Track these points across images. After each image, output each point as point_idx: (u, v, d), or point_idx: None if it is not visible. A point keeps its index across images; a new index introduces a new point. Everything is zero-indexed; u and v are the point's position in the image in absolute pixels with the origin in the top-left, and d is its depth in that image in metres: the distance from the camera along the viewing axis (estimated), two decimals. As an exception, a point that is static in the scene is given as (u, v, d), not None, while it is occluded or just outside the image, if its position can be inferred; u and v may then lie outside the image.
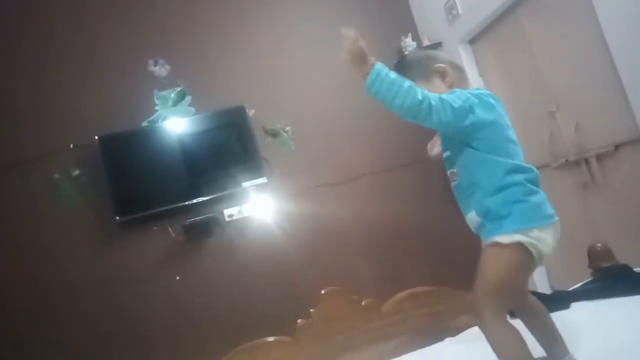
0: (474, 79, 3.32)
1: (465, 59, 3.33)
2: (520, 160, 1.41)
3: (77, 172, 2.96)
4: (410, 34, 3.56)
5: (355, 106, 3.35)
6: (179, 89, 3.18)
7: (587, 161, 2.66)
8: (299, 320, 2.03)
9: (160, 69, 3.20)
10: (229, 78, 3.27)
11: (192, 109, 3.18)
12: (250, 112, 3.19)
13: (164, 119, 3.11)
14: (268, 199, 3.18)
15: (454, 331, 2.04)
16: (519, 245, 1.31)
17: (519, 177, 1.36)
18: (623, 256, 2.18)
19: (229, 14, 3.37)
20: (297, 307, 2.11)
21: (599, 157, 2.59)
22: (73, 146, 2.96)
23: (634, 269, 2.05)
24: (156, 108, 3.13)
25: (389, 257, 3.26)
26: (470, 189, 1.40)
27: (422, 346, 1.93)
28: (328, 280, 2.20)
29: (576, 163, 2.73)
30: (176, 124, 3.09)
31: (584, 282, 2.18)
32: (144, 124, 3.08)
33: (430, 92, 1.34)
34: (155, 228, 3.00)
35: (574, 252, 2.79)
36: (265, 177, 3.11)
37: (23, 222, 2.86)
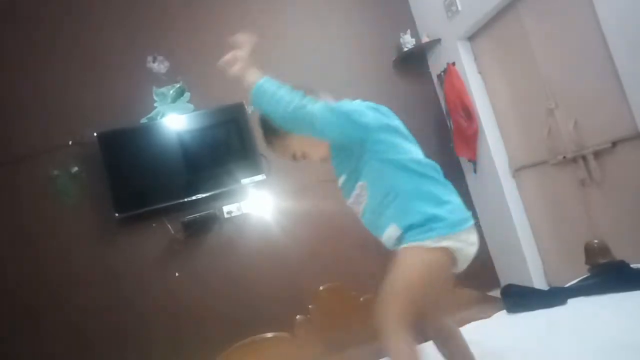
0: (473, 76, 3.33)
1: (464, 56, 3.33)
2: (422, 157, 1.39)
3: (76, 168, 2.97)
4: (409, 31, 3.56)
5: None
6: (178, 85, 3.18)
7: (584, 158, 2.66)
8: (297, 316, 2.05)
9: (159, 66, 3.20)
10: (228, 75, 3.26)
11: (191, 106, 3.18)
12: (249, 109, 3.19)
13: (162, 116, 3.11)
14: (267, 196, 3.19)
15: (452, 327, 2.05)
16: (444, 249, 1.24)
17: (435, 174, 1.34)
18: (620, 252, 2.19)
19: (228, 11, 3.37)
20: (296, 303, 2.13)
21: (597, 154, 2.60)
22: (72, 143, 2.97)
23: (631, 265, 2.06)
24: (155, 105, 3.14)
25: (387, 253, 3.26)
26: (385, 199, 1.32)
27: (421, 342, 1.94)
28: (327, 277, 2.22)
29: (574, 160, 2.74)
30: (175, 121, 3.10)
31: (581, 278, 2.19)
32: (143, 120, 3.08)
33: (319, 102, 1.32)
34: (154, 225, 3.00)
35: (571, 248, 2.81)
36: (264, 174, 3.11)
37: (22, 218, 2.86)
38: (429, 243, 1.23)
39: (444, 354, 1.46)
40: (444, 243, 1.24)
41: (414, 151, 1.38)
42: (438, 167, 1.39)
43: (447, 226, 1.25)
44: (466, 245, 1.28)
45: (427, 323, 1.46)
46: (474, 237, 1.32)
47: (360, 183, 1.36)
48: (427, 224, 1.25)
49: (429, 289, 1.29)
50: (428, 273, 1.26)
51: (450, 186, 1.37)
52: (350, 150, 1.35)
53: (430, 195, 1.29)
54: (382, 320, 1.21)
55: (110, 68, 3.11)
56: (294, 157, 1.52)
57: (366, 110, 1.36)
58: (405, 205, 1.29)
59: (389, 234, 1.32)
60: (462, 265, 1.32)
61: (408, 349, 1.19)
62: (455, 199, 1.34)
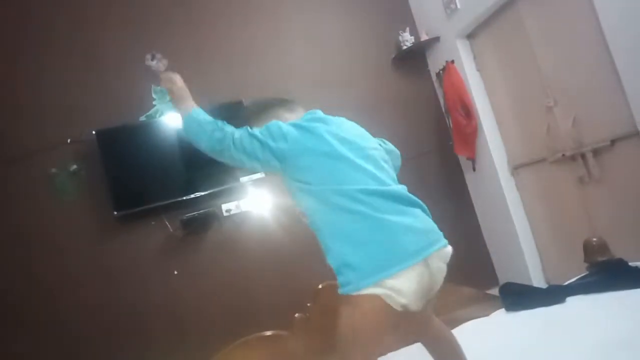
0: (472, 74, 3.32)
1: (463, 53, 3.32)
2: (366, 182, 1.22)
3: (74, 166, 2.95)
4: (408, 29, 3.56)
5: (354, 101, 3.34)
6: (177, 83, 3.17)
7: (583, 156, 2.66)
8: (296, 315, 2.04)
9: (158, 64, 3.13)
10: (227, 72, 3.26)
11: (190, 104, 3.16)
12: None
13: (161, 114, 3.10)
14: (265, 194, 3.19)
15: (451, 325, 2.05)
16: (372, 295, 1.14)
17: (361, 207, 1.18)
18: (619, 250, 2.19)
19: (227, 8, 3.35)
20: (295, 302, 2.12)
21: (596, 152, 2.60)
22: (70, 140, 2.96)
23: (630, 263, 2.06)
24: (154, 102, 3.13)
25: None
26: (318, 233, 1.25)
27: (408, 345, 1.93)
28: (325, 275, 2.19)
29: (573, 158, 2.74)
30: (174, 119, 3.08)
31: (580, 276, 2.20)
32: (142, 118, 3.07)
33: (240, 130, 1.28)
34: (153, 223, 3.00)
35: (570, 246, 2.81)
36: (262, 172, 3.10)
37: (21, 216, 2.85)
38: (352, 293, 1.17)
39: (434, 358, 1.44)
40: (366, 292, 1.14)
41: (349, 177, 1.23)
42: (387, 191, 1.23)
43: (360, 277, 1.15)
44: (394, 293, 1.14)
45: (417, 333, 1.44)
46: (405, 285, 1.15)
47: (300, 210, 1.31)
48: (343, 271, 1.18)
49: (373, 335, 1.21)
50: (364, 324, 1.18)
51: (392, 216, 1.19)
52: (284, 177, 1.30)
53: (348, 237, 1.18)
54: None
55: (108, 66, 3.10)
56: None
57: (288, 133, 1.26)
58: (326, 244, 1.23)
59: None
60: (405, 307, 1.19)
61: None
62: (383, 238, 1.17)
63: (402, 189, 1.29)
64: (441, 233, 1.27)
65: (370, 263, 1.15)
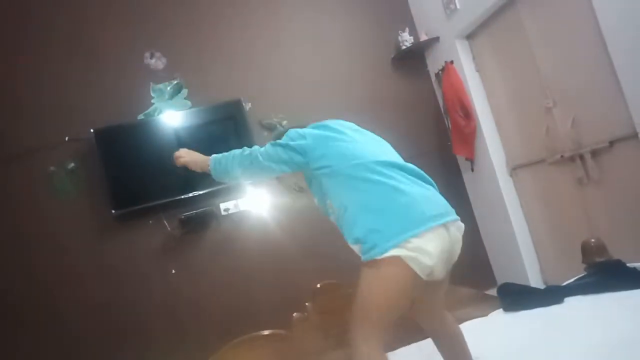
0: (471, 75, 3.32)
1: (462, 54, 3.32)
2: (385, 155, 1.34)
3: (72, 164, 2.95)
4: (407, 29, 3.56)
5: (353, 100, 3.35)
6: (176, 82, 3.17)
7: (582, 157, 2.67)
8: (294, 314, 2.04)
9: (157, 62, 3.19)
10: (226, 71, 3.25)
11: (189, 102, 3.17)
12: (247, 106, 3.18)
13: (160, 112, 3.10)
14: (264, 193, 3.18)
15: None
16: (396, 259, 1.17)
17: (379, 177, 1.26)
18: (617, 252, 2.19)
19: (226, 7, 3.35)
20: (293, 301, 2.12)
21: (594, 153, 2.60)
22: (68, 139, 2.95)
23: (628, 264, 2.07)
24: (152, 101, 3.12)
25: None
26: (342, 214, 1.31)
27: (418, 339, 1.94)
28: (324, 274, 2.21)
29: (571, 159, 2.74)
30: (172, 117, 3.08)
31: (578, 276, 2.20)
32: (140, 117, 3.07)
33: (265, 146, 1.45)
34: (150, 221, 2.99)
35: (568, 247, 2.81)
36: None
37: (17, 214, 2.85)
38: (377, 257, 1.20)
39: (442, 354, 1.45)
40: (391, 253, 1.17)
41: (367, 152, 1.33)
42: (402, 166, 1.32)
43: (386, 238, 1.19)
44: (420, 254, 1.18)
45: (422, 324, 1.45)
46: (431, 245, 1.19)
47: (328, 201, 1.38)
48: (369, 237, 1.22)
49: (392, 303, 1.23)
50: (384, 289, 1.21)
51: (408, 185, 1.27)
52: (310, 175, 1.41)
53: (373, 205, 1.25)
54: (352, 339, 1.21)
55: (107, 64, 3.09)
56: (300, 189, 1.61)
57: (306, 133, 1.40)
58: (353, 219, 1.28)
59: (353, 247, 1.33)
60: (430, 273, 1.23)
61: None
62: (402, 199, 1.23)
63: (416, 167, 1.38)
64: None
65: (395, 224, 1.20)
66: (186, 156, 1.63)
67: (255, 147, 1.46)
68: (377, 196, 1.25)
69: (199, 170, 1.60)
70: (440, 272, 1.26)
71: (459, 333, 1.45)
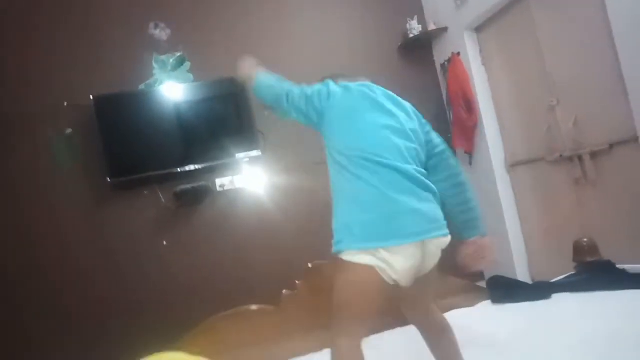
0: (477, 68, 3.30)
1: (470, 46, 3.30)
2: (386, 155, 1.23)
3: (69, 130, 2.92)
4: (416, 17, 3.52)
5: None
6: (179, 54, 3.13)
7: (581, 158, 2.67)
8: (284, 291, 2.05)
9: (161, 33, 3.14)
10: (230, 47, 3.21)
11: (191, 76, 3.13)
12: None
13: (161, 84, 3.06)
14: (261, 172, 3.17)
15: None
16: (364, 266, 1.15)
17: (374, 179, 1.19)
18: (607, 253, 2.21)
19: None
20: (284, 279, 2.13)
21: (594, 155, 2.60)
22: (67, 104, 2.92)
23: (617, 266, 2.08)
24: (154, 72, 3.09)
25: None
26: (333, 196, 1.29)
27: (405, 325, 1.95)
28: (316, 255, 2.20)
29: (570, 159, 2.74)
30: (173, 90, 3.05)
31: (567, 274, 2.21)
32: (141, 87, 3.04)
33: (298, 89, 1.42)
34: (145, 192, 2.98)
35: (558, 246, 2.83)
36: (259, 150, 3.09)
37: (10, 177, 2.83)
38: (346, 256, 1.18)
39: (433, 353, 1.42)
40: (359, 258, 1.15)
41: (373, 146, 1.25)
42: (402, 171, 1.23)
43: (354, 240, 1.16)
44: (386, 266, 1.14)
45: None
46: (398, 261, 1.14)
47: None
48: (341, 231, 1.20)
49: (362, 305, 1.21)
50: (353, 293, 1.19)
51: (401, 194, 1.19)
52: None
53: (355, 202, 1.21)
54: (331, 332, 1.21)
55: (111, 31, 3.05)
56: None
57: (332, 93, 1.34)
58: (336, 207, 1.26)
59: None
60: (405, 281, 1.20)
61: None
62: (387, 212, 1.17)
63: (419, 170, 1.29)
64: (445, 222, 1.27)
65: (368, 229, 1.16)
66: (246, 62, 1.66)
67: (287, 88, 1.44)
68: (363, 197, 1.20)
69: (244, 77, 1.64)
70: (406, 283, 1.23)
71: (447, 328, 1.42)
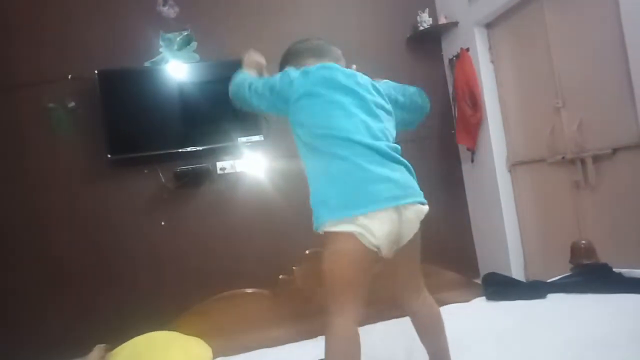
0: (485, 65, 3.28)
1: (479, 42, 3.28)
2: (355, 132, 1.25)
3: (72, 103, 2.90)
4: (427, 10, 3.49)
5: (362, 72, 3.30)
6: (186, 33, 3.10)
7: (583, 161, 2.66)
8: (280, 276, 2.05)
9: (169, 10, 3.11)
10: (238, 29, 3.19)
11: (197, 56, 3.11)
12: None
13: (166, 62, 3.04)
14: (262, 157, 3.16)
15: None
16: (346, 234, 1.17)
17: (343, 152, 1.22)
18: (604, 257, 2.21)
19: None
20: (281, 264, 2.12)
21: (596, 159, 2.60)
22: (71, 77, 2.90)
23: (614, 269, 2.09)
24: (160, 50, 3.06)
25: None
26: (308, 177, 1.30)
27: (398, 316, 1.95)
28: (314, 242, 2.19)
29: (572, 161, 2.74)
30: (179, 69, 3.03)
31: (563, 275, 2.22)
32: (146, 64, 3.02)
33: (261, 80, 1.45)
34: (145, 171, 2.98)
35: (555, 247, 2.84)
36: (262, 135, 3.08)
37: (10, 146, 2.82)
38: (327, 227, 1.20)
39: (420, 337, 1.42)
40: (339, 227, 1.17)
41: (339, 123, 1.26)
42: (377, 146, 1.24)
43: (331, 211, 1.19)
44: (365, 232, 1.17)
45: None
46: (376, 226, 1.17)
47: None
48: (318, 207, 1.23)
49: (349, 277, 1.22)
50: (338, 264, 1.21)
51: (372, 165, 1.21)
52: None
53: (326, 177, 1.23)
54: (325, 312, 1.22)
55: (119, 5, 3.02)
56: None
57: (294, 79, 1.35)
58: (312, 187, 1.28)
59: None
60: (386, 248, 1.22)
61: (342, 339, 1.19)
62: (359, 180, 1.20)
63: (389, 146, 1.29)
64: (421, 192, 1.28)
65: (343, 199, 1.19)
66: (250, 57, 1.66)
67: (252, 79, 1.47)
68: (334, 170, 1.23)
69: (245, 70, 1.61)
70: (387, 251, 1.24)
71: (438, 316, 1.41)
